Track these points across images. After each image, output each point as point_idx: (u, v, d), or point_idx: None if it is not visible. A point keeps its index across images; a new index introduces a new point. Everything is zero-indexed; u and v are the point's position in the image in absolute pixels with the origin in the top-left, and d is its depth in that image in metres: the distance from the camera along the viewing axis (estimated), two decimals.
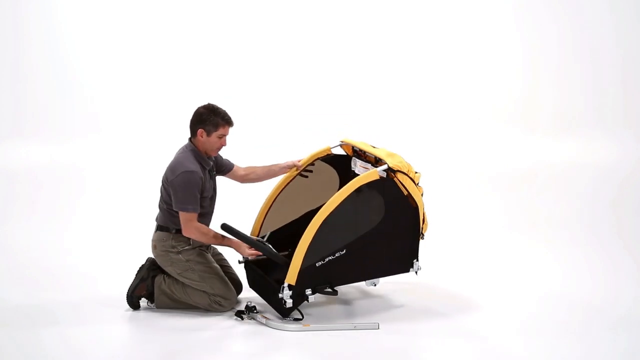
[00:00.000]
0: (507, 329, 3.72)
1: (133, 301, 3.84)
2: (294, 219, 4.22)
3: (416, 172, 3.70)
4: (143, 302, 3.89)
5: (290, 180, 4.20)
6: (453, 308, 3.99)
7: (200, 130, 3.77)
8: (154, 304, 3.86)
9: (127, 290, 3.85)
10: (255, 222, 4.18)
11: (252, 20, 6.82)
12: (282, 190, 4.19)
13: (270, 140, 6.56)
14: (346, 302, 4.04)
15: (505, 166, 6.53)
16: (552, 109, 6.73)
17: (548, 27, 6.73)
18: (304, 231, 4.08)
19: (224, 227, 3.75)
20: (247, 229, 4.14)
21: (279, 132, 6.68)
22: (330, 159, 4.25)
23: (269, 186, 4.28)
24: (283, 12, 6.84)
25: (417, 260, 3.86)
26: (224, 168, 4.09)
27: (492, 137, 6.71)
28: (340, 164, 4.25)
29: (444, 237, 4.71)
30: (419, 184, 3.73)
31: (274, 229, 4.19)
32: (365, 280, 3.82)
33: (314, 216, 4.15)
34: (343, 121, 6.75)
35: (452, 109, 6.82)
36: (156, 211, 3.94)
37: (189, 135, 3.86)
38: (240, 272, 4.12)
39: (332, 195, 4.15)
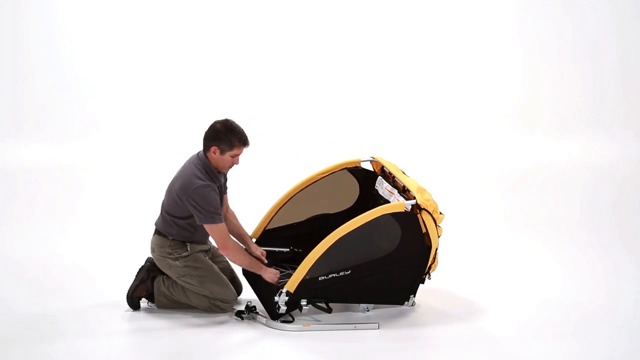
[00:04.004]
0: (506, 331, 3.71)
1: (133, 302, 3.83)
2: (299, 220, 4.23)
3: (440, 213, 3.72)
4: (143, 302, 3.88)
5: (314, 182, 4.20)
6: (453, 308, 3.99)
7: (214, 148, 3.66)
8: (154, 304, 3.85)
9: (127, 292, 3.84)
10: (266, 214, 4.20)
11: (252, 20, 6.83)
12: (302, 189, 4.19)
13: (268, 140, 6.56)
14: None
15: (505, 166, 6.53)
16: (552, 109, 6.73)
17: (548, 27, 6.73)
18: (305, 233, 4.12)
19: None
20: (254, 223, 4.16)
21: (276, 132, 6.68)
22: (357, 171, 4.26)
23: (287, 182, 4.28)
24: (284, 13, 6.85)
25: (414, 296, 3.90)
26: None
27: (492, 137, 6.70)
28: (364, 179, 4.26)
29: (444, 237, 4.65)
30: (439, 225, 3.74)
31: (280, 225, 4.20)
32: (360, 303, 3.84)
33: (318, 221, 4.19)
34: (342, 120, 6.76)
35: (452, 109, 6.81)
36: (156, 210, 3.93)
37: (202, 148, 3.75)
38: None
39: (345, 207, 4.24)
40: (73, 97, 6.69)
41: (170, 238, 3.76)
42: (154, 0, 6.79)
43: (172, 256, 3.77)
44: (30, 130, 6.53)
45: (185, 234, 3.76)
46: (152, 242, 3.85)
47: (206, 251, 3.93)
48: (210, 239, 3.86)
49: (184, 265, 3.76)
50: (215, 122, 3.72)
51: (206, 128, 3.73)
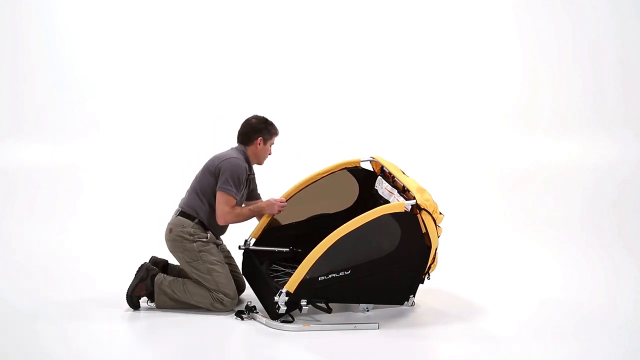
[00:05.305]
0: (506, 330, 3.71)
1: (133, 301, 3.83)
2: (299, 220, 4.24)
3: (440, 213, 3.72)
4: (143, 301, 3.88)
5: (314, 181, 4.21)
6: (454, 309, 3.99)
7: (259, 138, 4.00)
8: (154, 303, 3.85)
9: (126, 291, 3.84)
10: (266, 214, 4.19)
11: (252, 21, 6.83)
12: (302, 189, 4.21)
13: None
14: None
15: (505, 166, 6.53)
16: (552, 109, 6.73)
17: (548, 27, 6.73)
18: (305, 232, 4.12)
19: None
20: (254, 223, 4.18)
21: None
22: (356, 171, 4.28)
23: (287, 182, 4.30)
24: (284, 15, 6.85)
25: (413, 296, 3.91)
26: (252, 194, 4.15)
27: (492, 137, 6.70)
28: (364, 179, 4.28)
29: (443, 237, 4.70)
30: (439, 225, 3.74)
31: (282, 224, 4.21)
32: (359, 303, 3.85)
33: (317, 221, 4.19)
34: (342, 120, 6.77)
35: (452, 109, 6.82)
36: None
37: (238, 143, 4.02)
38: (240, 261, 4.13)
39: (345, 207, 4.24)
40: (73, 97, 6.69)
41: (196, 220, 3.85)
42: (153, 1, 6.79)
43: (191, 237, 3.83)
44: (30, 130, 6.54)
45: (208, 219, 3.88)
46: (171, 223, 3.90)
47: (217, 246, 3.98)
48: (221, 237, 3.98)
49: (199, 250, 3.82)
50: (249, 119, 4.07)
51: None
